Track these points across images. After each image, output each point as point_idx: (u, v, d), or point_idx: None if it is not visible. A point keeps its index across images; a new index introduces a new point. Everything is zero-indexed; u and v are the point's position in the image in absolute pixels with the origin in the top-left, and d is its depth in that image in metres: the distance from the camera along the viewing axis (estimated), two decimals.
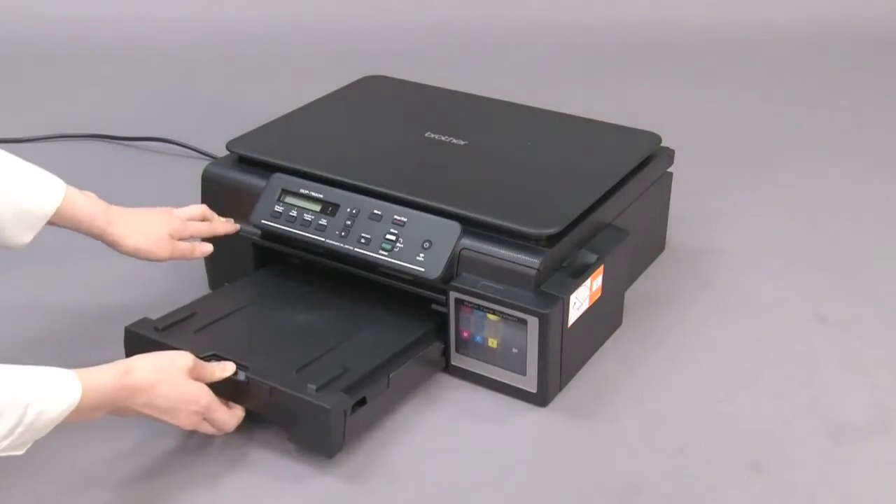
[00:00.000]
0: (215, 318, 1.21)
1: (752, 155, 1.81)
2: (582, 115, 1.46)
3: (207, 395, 1.07)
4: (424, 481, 1.07)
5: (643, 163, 1.35)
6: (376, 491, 1.06)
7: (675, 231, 1.51)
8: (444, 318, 1.20)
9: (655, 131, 1.40)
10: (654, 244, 1.47)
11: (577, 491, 1.06)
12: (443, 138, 1.36)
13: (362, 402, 1.09)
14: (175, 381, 1.05)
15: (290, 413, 1.08)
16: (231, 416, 1.10)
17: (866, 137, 1.89)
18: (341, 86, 1.56)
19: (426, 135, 1.37)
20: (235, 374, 1.10)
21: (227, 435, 1.11)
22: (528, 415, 1.17)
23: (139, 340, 1.16)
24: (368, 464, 1.09)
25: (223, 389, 1.09)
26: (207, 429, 1.09)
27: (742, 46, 2.35)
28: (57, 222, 1.20)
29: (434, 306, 1.21)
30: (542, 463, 1.10)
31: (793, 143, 1.86)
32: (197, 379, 1.07)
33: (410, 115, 1.46)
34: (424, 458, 1.10)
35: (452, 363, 1.22)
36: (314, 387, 1.06)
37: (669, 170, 1.42)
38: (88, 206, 1.22)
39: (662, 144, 1.39)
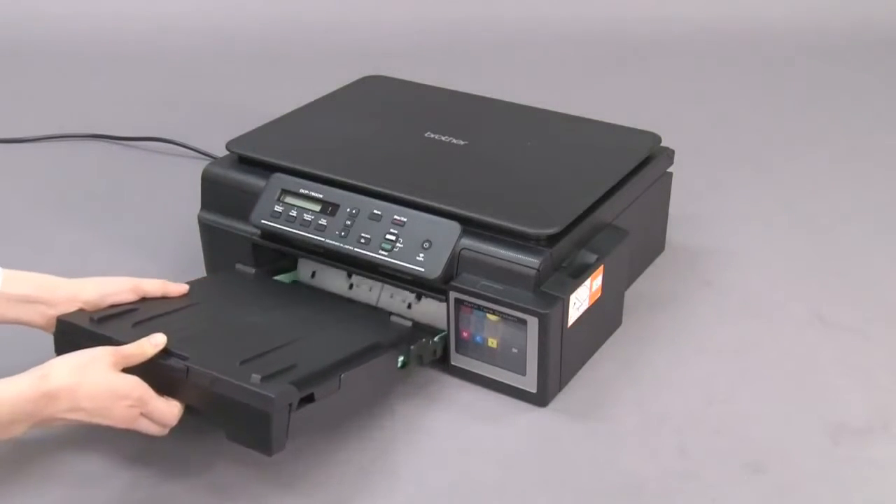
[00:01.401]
0: (160, 313, 1.14)
1: (752, 155, 1.81)
2: (582, 115, 1.46)
3: (140, 387, 1.00)
4: (424, 481, 1.07)
5: (643, 163, 1.35)
6: (376, 491, 1.06)
7: (675, 231, 1.51)
8: (409, 330, 1.19)
9: (655, 131, 1.40)
10: (654, 244, 1.47)
11: (576, 491, 1.06)
12: (443, 138, 1.36)
13: (310, 398, 1.02)
14: (100, 377, 0.98)
15: (230, 406, 0.99)
16: (171, 408, 1.02)
17: (866, 137, 1.89)
18: (341, 86, 1.56)
19: (426, 135, 1.37)
20: (168, 352, 1.02)
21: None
22: (528, 415, 1.17)
23: (72, 332, 1.09)
24: (368, 464, 1.09)
25: (158, 382, 1.02)
26: (147, 426, 1.02)
27: (742, 46, 2.35)
28: None
29: (394, 318, 1.21)
30: (542, 463, 1.10)
31: (792, 143, 1.86)
32: (126, 367, 1.00)
33: (410, 115, 1.45)
34: (424, 458, 1.11)
35: (452, 363, 1.22)
36: (259, 377, 0.99)
37: (669, 170, 1.42)
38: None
39: (662, 144, 1.39)
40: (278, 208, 1.26)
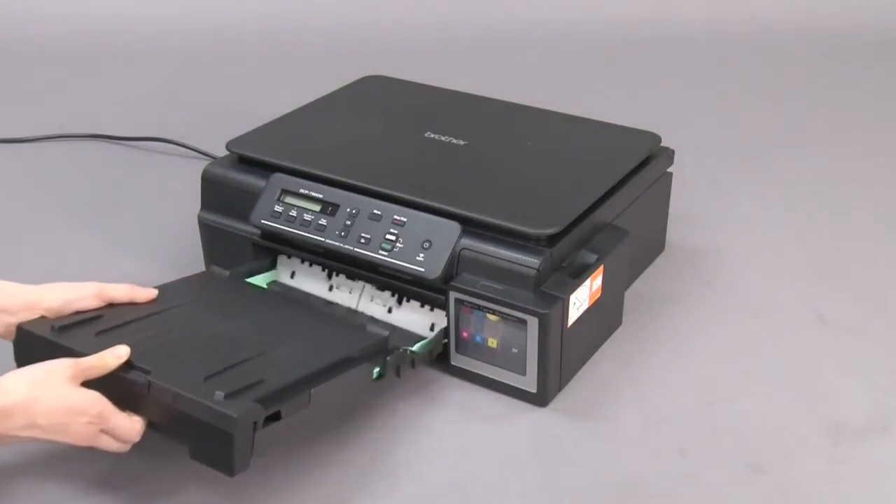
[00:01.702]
0: (125, 321, 1.10)
1: (752, 155, 1.81)
2: (582, 115, 1.46)
3: (100, 402, 0.95)
4: (425, 481, 1.07)
5: (643, 163, 1.35)
6: (376, 491, 1.06)
7: (675, 231, 1.51)
8: (385, 341, 1.15)
9: (655, 131, 1.40)
10: (654, 244, 1.47)
11: (577, 491, 1.06)
12: (443, 138, 1.36)
13: (276, 416, 0.98)
14: (57, 392, 0.93)
15: (192, 424, 0.96)
16: (132, 424, 0.98)
17: (866, 137, 1.89)
18: (341, 86, 1.56)
19: (426, 135, 1.37)
20: (130, 365, 0.99)
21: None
22: (528, 415, 1.17)
23: (31, 341, 1.05)
24: (368, 464, 1.09)
25: (119, 397, 0.98)
26: (107, 443, 0.98)
27: (742, 46, 2.35)
28: None
29: (370, 328, 1.17)
30: (542, 463, 1.10)
31: (793, 142, 1.86)
32: (85, 382, 0.96)
33: (410, 115, 1.46)
34: (424, 457, 1.10)
35: (452, 363, 1.22)
36: (222, 394, 0.95)
37: (669, 170, 1.42)
38: None
39: (662, 144, 1.39)
40: (278, 208, 1.26)
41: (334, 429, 1.13)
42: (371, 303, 1.26)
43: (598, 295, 1.21)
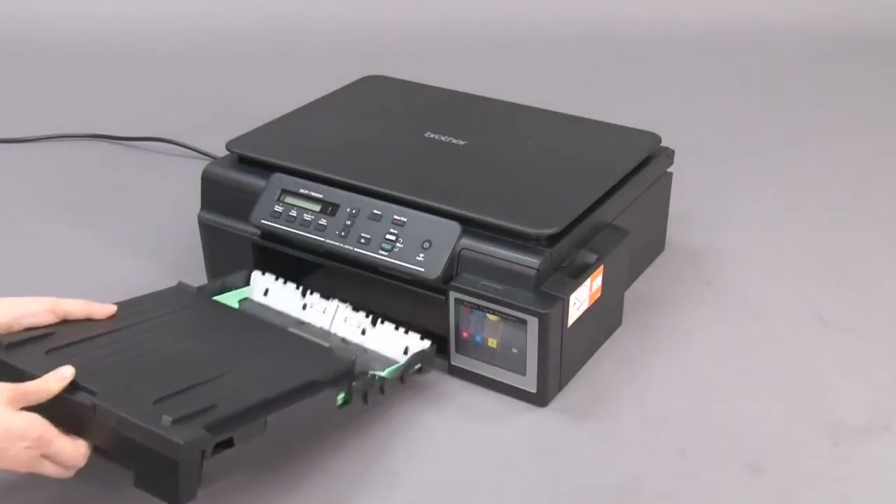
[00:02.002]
0: (78, 339, 1.05)
1: (752, 155, 1.81)
2: (582, 116, 1.46)
3: (40, 426, 0.91)
4: (424, 481, 1.07)
5: (643, 163, 1.35)
6: (376, 491, 1.06)
7: (675, 231, 1.51)
8: (351, 365, 1.11)
9: (655, 131, 1.40)
10: (654, 244, 1.47)
11: (577, 491, 1.06)
12: (443, 138, 1.36)
13: (228, 443, 0.94)
14: None
15: (137, 450, 0.91)
16: (76, 448, 0.93)
17: (866, 137, 1.89)
18: (341, 86, 1.56)
19: (426, 135, 1.37)
20: (76, 385, 0.95)
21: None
22: (528, 415, 1.17)
23: None
24: (368, 464, 1.09)
25: (63, 419, 0.94)
26: (49, 469, 0.93)
27: (742, 46, 2.35)
28: None
29: (338, 351, 1.14)
30: (542, 463, 1.10)
31: (793, 143, 1.86)
32: (26, 405, 0.91)
33: (410, 115, 1.45)
34: (424, 458, 1.10)
35: (452, 363, 1.22)
36: (170, 419, 0.90)
37: (669, 170, 1.42)
38: None
39: (662, 144, 1.39)
40: (278, 208, 1.26)
41: (335, 429, 1.13)
42: (344, 324, 1.23)
43: (598, 295, 1.21)
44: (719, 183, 1.70)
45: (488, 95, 1.53)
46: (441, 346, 1.22)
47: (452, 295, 1.17)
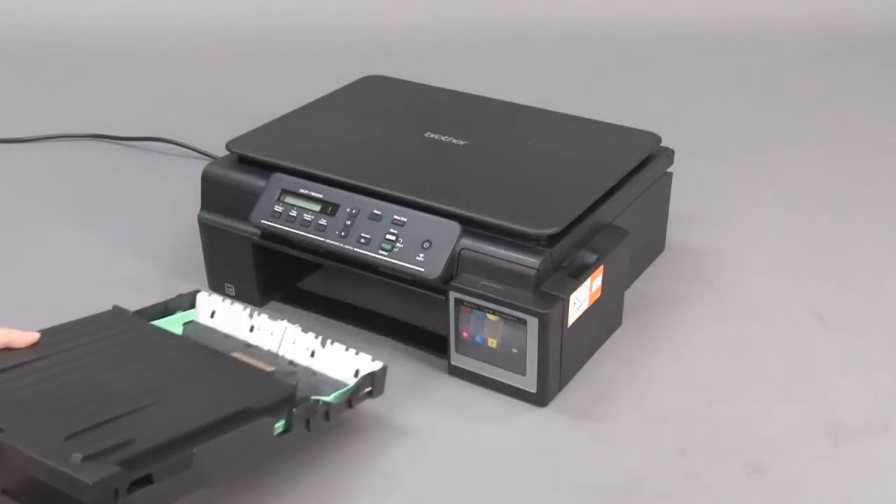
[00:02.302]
0: None
1: (752, 155, 1.81)
2: (582, 116, 1.46)
3: None
4: (424, 481, 1.07)
5: (643, 163, 1.35)
6: (375, 492, 1.06)
7: (675, 231, 1.51)
8: (292, 391, 1.05)
9: (655, 131, 1.40)
10: (654, 244, 1.47)
11: (577, 491, 1.06)
12: (443, 138, 1.36)
13: (147, 479, 0.87)
14: None
15: (47, 491, 0.85)
16: None
17: (866, 138, 1.89)
18: (341, 86, 1.56)
19: (426, 135, 1.37)
20: None
21: None
22: (528, 415, 1.17)
23: None
24: (367, 464, 1.09)
25: None
26: None
27: (742, 46, 2.35)
28: None
29: (279, 376, 1.10)
30: (542, 463, 1.10)
31: (793, 143, 1.86)
32: None
33: (410, 115, 1.45)
34: (424, 458, 1.10)
35: (452, 363, 1.22)
36: (80, 456, 0.84)
37: (669, 170, 1.42)
38: None
39: (662, 144, 1.39)
40: (278, 208, 1.26)
41: (335, 429, 1.13)
42: (293, 346, 1.18)
43: (598, 295, 1.21)
44: (719, 183, 1.70)
45: (488, 95, 1.53)
46: (441, 346, 1.23)
47: (452, 295, 1.17)
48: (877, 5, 2.44)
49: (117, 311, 1.18)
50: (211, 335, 1.22)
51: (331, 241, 1.23)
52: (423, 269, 1.17)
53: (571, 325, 1.17)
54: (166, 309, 1.22)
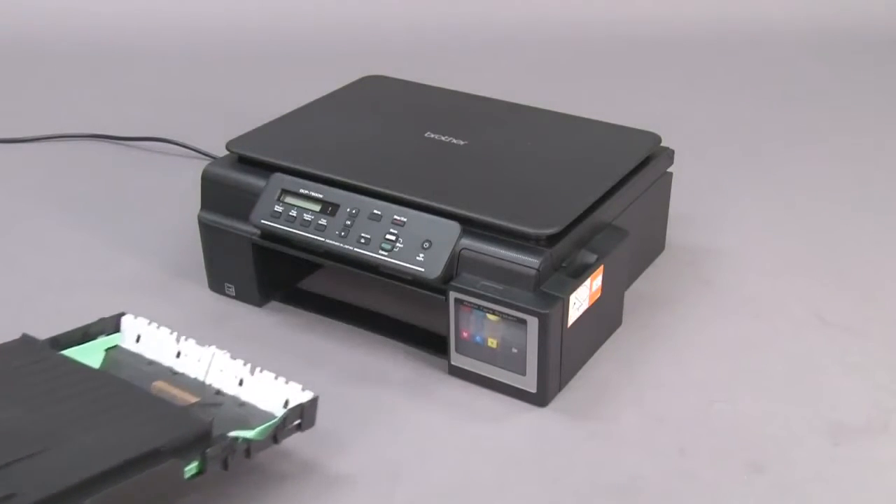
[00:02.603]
0: None
1: (752, 155, 1.81)
2: (582, 116, 1.46)
3: None
4: (424, 481, 1.07)
5: (643, 163, 1.35)
6: (376, 491, 1.06)
7: (675, 231, 1.51)
8: (206, 428, 0.98)
9: (655, 131, 1.40)
10: (654, 244, 1.47)
11: (577, 491, 1.06)
12: (443, 138, 1.36)
13: None
14: None
15: None
16: None
17: (866, 138, 1.89)
18: (341, 86, 1.56)
19: (426, 135, 1.37)
20: None
21: None
22: (528, 415, 1.17)
23: None
24: (367, 464, 1.10)
25: None
26: None
27: (742, 46, 2.35)
28: None
29: (194, 412, 1.04)
30: (542, 463, 1.10)
31: (793, 143, 1.86)
32: None
33: (410, 115, 1.45)
34: (424, 458, 1.11)
35: (452, 363, 1.22)
36: None
37: (669, 170, 1.42)
38: None
39: (662, 144, 1.39)
40: (278, 208, 1.26)
41: (333, 428, 1.13)
42: (220, 374, 1.12)
43: (598, 295, 1.21)
44: (719, 183, 1.70)
45: (488, 95, 1.53)
46: (441, 346, 1.23)
47: (452, 295, 1.17)
48: (877, 5, 2.44)
49: (26, 341, 1.11)
50: (135, 361, 1.15)
51: (331, 241, 1.23)
52: (423, 269, 1.17)
53: (571, 325, 1.17)
54: (85, 335, 1.16)
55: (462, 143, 1.35)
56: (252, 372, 1.11)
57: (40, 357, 1.08)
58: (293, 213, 1.26)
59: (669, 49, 2.34)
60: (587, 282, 1.18)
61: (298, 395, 1.07)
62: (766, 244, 1.51)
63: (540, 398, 1.18)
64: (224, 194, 1.33)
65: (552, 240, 1.16)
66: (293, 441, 1.09)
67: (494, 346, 1.17)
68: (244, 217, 1.29)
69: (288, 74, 2.19)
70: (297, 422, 1.05)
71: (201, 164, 1.38)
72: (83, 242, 1.52)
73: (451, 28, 2.40)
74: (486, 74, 2.16)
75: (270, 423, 1.03)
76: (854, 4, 2.44)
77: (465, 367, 1.21)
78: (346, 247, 1.22)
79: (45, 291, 1.39)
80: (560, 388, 1.20)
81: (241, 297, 1.36)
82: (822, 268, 1.45)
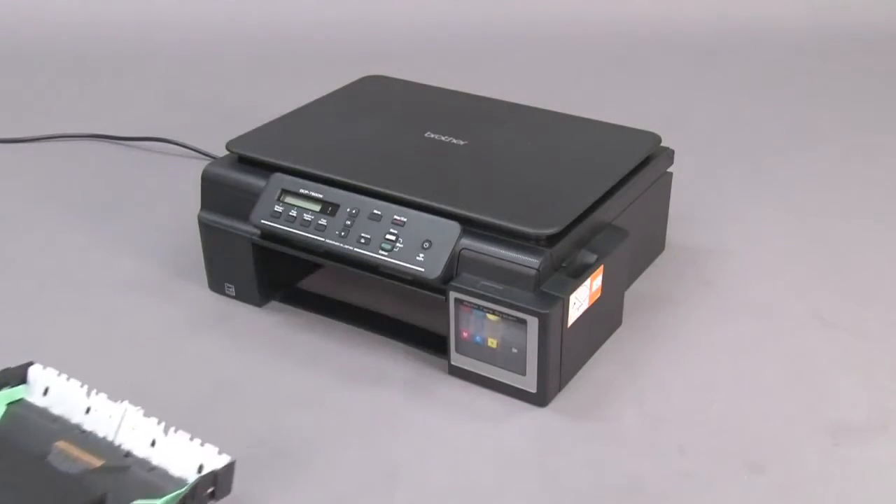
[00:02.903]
0: None
1: (752, 155, 1.81)
2: (582, 116, 1.46)
3: None
4: (424, 481, 1.07)
5: (643, 163, 1.35)
6: (375, 491, 1.06)
7: (675, 231, 1.51)
8: (99, 501, 0.93)
9: (655, 131, 1.40)
10: (654, 244, 1.47)
11: (577, 491, 1.06)
12: (443, 138, 1.36)
13: None
14: None
15: None
16: None
17: (866, 137, 1.89)
18: (341, 86, 1.56)
19: (426, 135, 1.37)
20: None
21: None
22: (528, 415, 1.17)
23: None
24: (368, 464, 1.10)
25: None
26: None
27: (742, 46, 2.35)
28: None
29: (88, 480, 0.97)
30: (542, 463, 1.10)
31: (793, 142, 1.86)
32: None
33: (410, 115, 1.45)
34: (424, 458, 1.10)
35: (452, 363, 1.22)
36: None
37: (669, 170, 1.42)
38: None
39: (662, 144, 1.39)
40: (278, 208, 1.26)
41: (333, 428, 1.13)
42: (132, 432, 1.05)
43: (598, 295, 1.21)
44: (719, 183, 1.70)
45: (488, 95, 1.53)
46: (441, 346, 1.23)
47: (452, 295, 1.17)
48: (877, 5, 2.44)
49: None
50: (38, 418, 1.08)
51: (331, 241, 1.23)
52: (423, 269, 1.17)
53: (571, 326, 1.17)
54: None
55: (462, 143, 1.35)
56: (166, 432, 1.03)
57: None
58: (293, 213, 1.26)
59: (669, 49, 2.34)
60: (587, 282, 1.17)
61: (214, 459, 1.00)
62: (766, 244, 1.51)
63: (540, 398, 1.17)
64: (224, 194, 1.33)
65: (552, 240, 1.16)
66: (294, 442, 1.09)
67: (494, 346, 1.17)
68: (244, 217, 1.29)
69: (288, 74, 2.19)
70: (210, 489, 0.97)
71: (201, 164, 1.38)
72: (83, 242, 1.52)
73: (452, 28, 2.40)
74: (486, 74, 2.16)
75: (178, 492, 0.96)
76: (854, 4, 2.43)
77: (465, 367, 1.21)
78: (347, 247, 1.22)
79: (46, 291, 1.39)
80: (560, 387, 1.20)
81: (241, 297, 1.36)
82: (822, 268, 1.45)
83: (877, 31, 2.39)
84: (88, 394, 1.08)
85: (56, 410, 1.09)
